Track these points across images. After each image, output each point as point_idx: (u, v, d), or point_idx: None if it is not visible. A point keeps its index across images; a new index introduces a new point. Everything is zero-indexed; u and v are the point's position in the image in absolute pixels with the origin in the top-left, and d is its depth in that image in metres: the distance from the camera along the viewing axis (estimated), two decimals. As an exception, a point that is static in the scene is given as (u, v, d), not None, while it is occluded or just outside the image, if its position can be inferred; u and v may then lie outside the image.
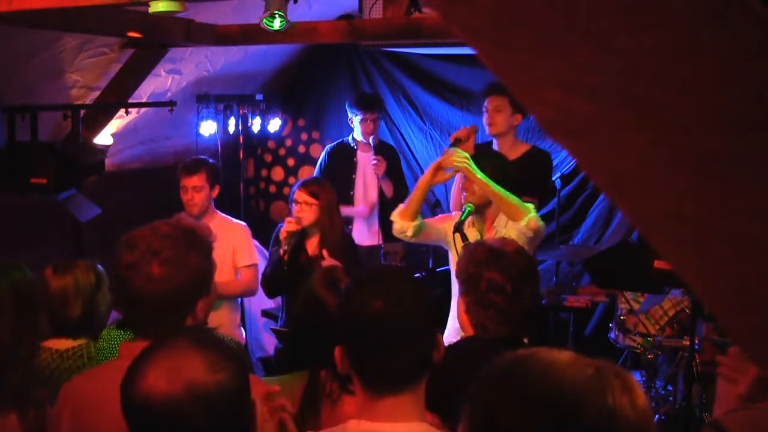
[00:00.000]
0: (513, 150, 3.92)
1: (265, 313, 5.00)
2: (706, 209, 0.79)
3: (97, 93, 4.52)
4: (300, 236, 3.65)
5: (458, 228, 3.13)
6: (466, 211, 3.21)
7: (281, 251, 3.60)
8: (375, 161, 4.75)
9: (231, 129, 5.65)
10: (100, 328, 2.45)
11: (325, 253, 3.51)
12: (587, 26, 0.70)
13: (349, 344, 1.44)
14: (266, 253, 4.28)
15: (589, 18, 0.69)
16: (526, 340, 2.31)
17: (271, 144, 6.37)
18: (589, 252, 4.69)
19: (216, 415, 1.18)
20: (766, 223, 0.77)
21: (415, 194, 3.32)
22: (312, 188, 3.63)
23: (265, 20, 3.54)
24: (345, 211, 4.84)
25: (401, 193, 3.48)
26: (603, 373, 0.94)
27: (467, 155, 3.16)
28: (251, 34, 4.35)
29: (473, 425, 0.97)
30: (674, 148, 0.76)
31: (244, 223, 4.08)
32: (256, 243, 4.40)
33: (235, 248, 3.90)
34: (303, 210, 3.60)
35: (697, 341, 3.69)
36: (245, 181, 6.07)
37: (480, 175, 3.13)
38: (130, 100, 4.63)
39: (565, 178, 4.86)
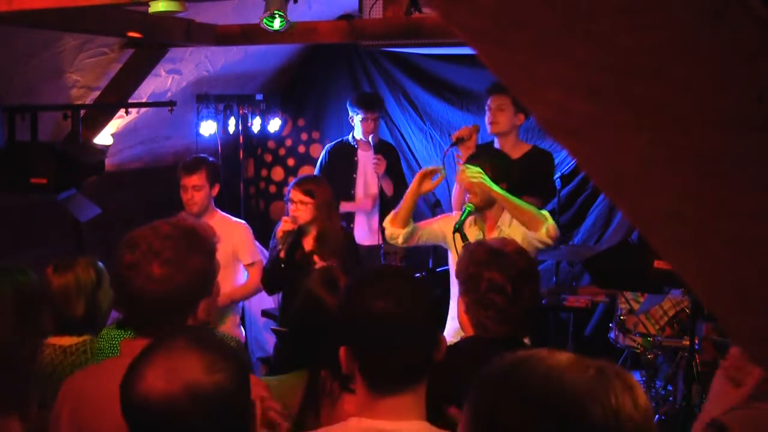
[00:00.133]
0: (515, 150, 3.92)
1: (265, 313, 5.00)
2: (706, 209, 0.79)
3: (97, 93, 4.52)
4: (296, 235, 3.65)
5: (458, 228, 3.13)
6: (466, 211, 3.20)
7: (279, 250, 3.61)
8: (375, 160, 4.75)
9: (231, 129, 5.65)
10: (102, 325, 2.45)
11: (316, 258, 3.52)
12: (587, 26, 0.70)
13: (352, 343, 1.44)
14: (266, 253, 4.29)
15: (589, 18, 0.69)
16: (527, 341, 2.31)
17: (271, 144, 6.37)
18: (589, 252, 4.68)
19: (214, 415, 1.18)
20: (766, 223, 0.77)
21: (405, 203, 3.33)
22: (307, 186, 3.63)
23: (265, 20, 3.54)
24: (347, 207, 4.84)
25: (401, 192, 3.47)
26: (604, 374, 0.94)
27: (480, 170, 3.15)
28: (251, 34, 4.35)
29: (474, 426, 0.97)
30: (674, 148, 0.76)
31: (244, 222, 4.08)
32: (256, 243, 4.40)
33: (237, 247, 3.90)
34: (299, 209, 3.60)
35: (697, 341, 3.69)
36: (245, 180, 6.07)
37: (496, 188, 3.13)
38: (130, 100, 4.63)
39: (565, 178, 4.86)
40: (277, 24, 3.57)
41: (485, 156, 3.38)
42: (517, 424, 0.92)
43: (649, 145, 0.77)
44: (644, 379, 4.16)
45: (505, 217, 3.27)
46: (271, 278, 3.72)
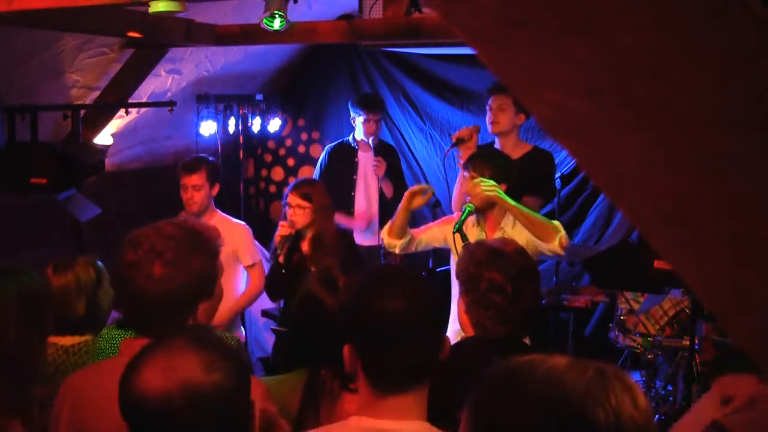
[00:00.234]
0: (515, 150, 3.92)
1: (265, 313, 5.00)
2: (706, 209, 0.79)
3: (97, 93, 4.52)
4: (294, 239, 3.66)
5: (458, 228, 3.13)
6: (466, 211, 3.21)
7: (277, 255, 3.62)
8: (375, 163, 4.75)
9: (231, 129, 5.65)
10: (103, 324, 2.46)
11: (310, 263, 3.53)
12: (587, 26, 0.70)
13: (358, 342, 1.44)
14: (266, 253, 4.29)
15: (589, 18, 0.69)
16: (528, 341, 2.30)
17: (271, 144, 6.37)
18: (589, 252, 4.68)
19: (211, 414, 1.18)
20: (766, 223, 0.77)
21: (398, 216, 3.37)
22: (304, 190, 3.63)
23: (265, 20, 3.54)
24: (343, 221, 4.83)
25: (401, 193, 3.48)
26: (604, 375, 0.95)
27: (494, 183, 3.15)
28: (251, 34, 4.35)
29: (475, 429, 0.97)
30: (674, 148, 0.76)
31: (244, 223, 4.09)
32: (256, 243, 4.40)
33: (238, 248, 3.90)
34: (296, 213, 3.61)
35: (697, 341, 3.69)
36: (245, 180, 6.07)
37: (510, 201, 3.13)
38: (130, 100, 4.63)
39: (565, 178, 4.86)
40: (277, 24, 3.57)
41: (485, 157, 3.38)
42: (519, 426, 0.92)
43: (649, 145, 0.77)
44: (644, 379, 4.16)
45: (509, 218, 3.28)
46: (273, 285, 3.73)
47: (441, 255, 4.70)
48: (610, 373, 0.96)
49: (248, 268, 3.97)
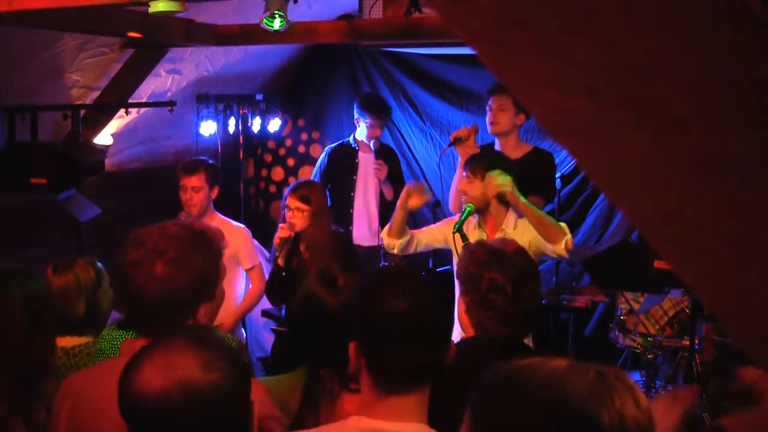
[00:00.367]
0: (515, 150, 3.92)
1: (265, 313, 4.99)
2: (706, 209, 0.79)
3: (97, 93, 4.53)
4: (294, 241, 3.66)
5: (458, 228, 3.13)
6: (466, 211, 3.21)
7: (276, 257, 3.62)
8: (377, 166, 4.76)
9: (231, 129, 5.65)
10: (103, 325, 2.46)
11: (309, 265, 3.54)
12: (587, 26, 0.70)
13: (365, 341, 1.44)
14: (266, 253, 4.29)
15: (589, 18, 0.69)
16: (531, 343, 2.30)
17: (271, 144, 6.37)
18: (589, 252, 4.68)
19: (209, 414, 1.18)
20: (766, 222, 0.77)
21: (396, 216, 3.38)
22: (302, 192, 3.63)
23: (265, 20, 3.54)
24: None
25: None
26: (605, 376, 0.95)
27: (510, 179, 3.16)
28: (251, 34, 4.35)
29: (477, 431, 0.97)
30: (674, 148, 0.76)
31: (243, 226, 4.09)
32: (256, 243, 4.40)
33: (238, 251, 3.90)
34: (295, 216, 3.61)
35: (697, 341, 3.69)
36: (245, 181, 6.07)
37: (522, 199, 3.14)
38: (130, 100, 4.63)
39: (565, 178, 4.86)
40: (277, 24, 3.57)
41: (484, 158, 3.38)
42: (522, 428, 0.92)
43: (649, 145, 0.77)
44: (644, 379, 4.16)
45: (510, 219, 3.28)
46: (274, 289, 3.73)
47: (441, 255, 4.70)
48: (612, 374, 0.96)
49: (248, 271, 3.97)
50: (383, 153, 4.94)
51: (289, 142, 6.33)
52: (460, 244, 3.10)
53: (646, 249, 3.30)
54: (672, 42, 0.69)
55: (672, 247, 0.86)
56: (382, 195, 4.95)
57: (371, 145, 4.86)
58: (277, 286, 3.69)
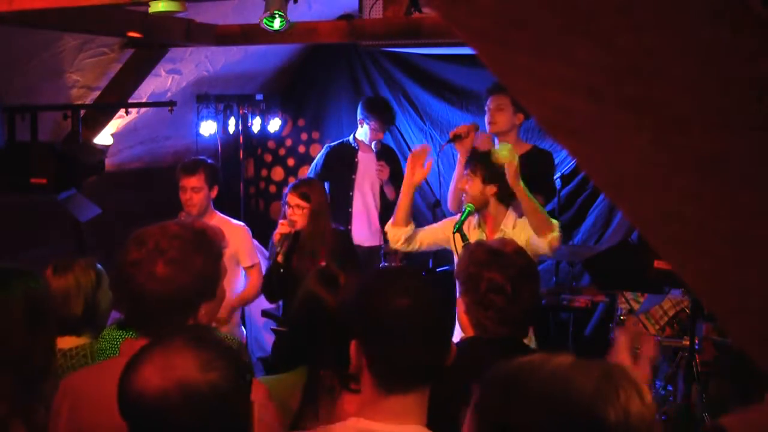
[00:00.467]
0: (515, 149, 3.92)
1: (265, 313, 4.99)
2: (706, 209, 0.79)
3: (97, 93, 4.53)
4: (293, 239, 3.66)
5: (458, 228, 3.13)
6: (466, 211, 3.22)
7: (276, 254, 3.62)
8: (379, 168, 4.77)
9: (231, 129, 5.65)
10: (101, 326, 2.45)
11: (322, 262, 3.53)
12: (587, 26, 0.70)
13: (366, 339, 1.44)
14: (266, 253, 4.29)
15: (589, 18, 0.69)
16: (533, 344, 2.29)
17: (271, 144, 6.37)
18: (589, 252, 4.68)
19: (208, 413, 1.18)
20: (766, 222, 0.77)
21: (403, 198, 3.36)
22: (302, 190, 3.64)
23: (265, 20, 3.54)
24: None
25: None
26: (610, 372, 0.95)
27: (517, 157, 3.15)
28: (251, 34, 4.35)
29: (482, 430, 0.97)
30: (674, 148, 0.76)
31: (243, 224, 4.09)
32: (256, 243, 4.40)
33: (237, 249, 3.90)
34: (295, 213, 3.62)
35: (697, 341, 3.69)
36: (245, 181, 6.07)
37: (521, 182, 3.14)
38: (130, 100, 4.63)
39: (565, 178, 4.86)
40: (277, 24, 3.57)
41: (482, 157, 3.38)
42: (528, 425, 0.92)
43: (649, 145, 0.77)
44: (644, 379, 4.16)
45: (509, 219, 3.28)
46: (270, 285, 3.73)
47: (441, 255, 4.69)
48: (617, 370, 0.96)
49: (247, 269, 3.97)
50: (384, 154, 4.94)
51: (289, 142, 6.33)
52: (460, 244, 3.10)
53: (646, 249, 3.30)
54: (672, 42, 0.69)
55: (672, 247, 0.86)
56: (383, 195, 4.95)
57: (372, 146, 4.87)
58: (275, 283, 3.68)
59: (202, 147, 5.38)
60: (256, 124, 5.87)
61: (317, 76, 6.17)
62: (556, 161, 4.25)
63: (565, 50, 0.72)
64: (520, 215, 3.28)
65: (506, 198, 3.26)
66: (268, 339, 5.17)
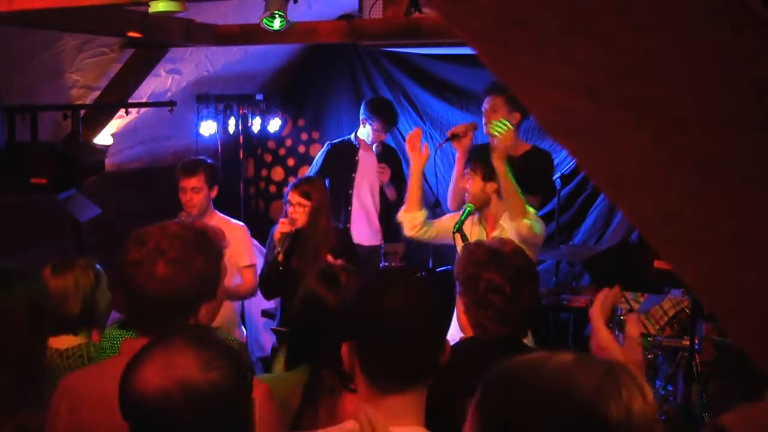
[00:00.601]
0: (514, 149, 3.91)
1: (265, 313, 5.00)
2: (706, 209, 0.79)
3: (97, 93, 4.53)
4: (294, 237, 3.66)
5: (458, 228, 3.14)
6: (466, 211, 3.22)
7: (276, 252, 3.62)
8: (380, 170, 4.77)
9: (231, 129, 5.65)
10: (101, 326, 2.45)
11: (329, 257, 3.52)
12: (587, 26, 0.70)
13: (360, 340, 1.44)
14: (263, 249, 4.28)
15: (589, 18, 0.69)
16: (532, 342, 2.29)
17: (271, 144, 6.37)
18: (589, 252, 4.68)
19: (209, 413, 1.19)
20: (765, 222, 0.77)
21: (413, 183, 3.39)
22: (303, 188, 3.64)
23: (265, 20, 3.54)
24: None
25: (404, 194, 3.52)
26: (612, 370, 0.95)
27: (508, 126, 3.17)
28: (251, 34, 4.35)
29: (485, 429, 0.97)
30: (674, 148, 0.76)
31: (242, 224, 4.08)
32: (256, 243, 4.40)
33: (235, 249, 3.89)
34: (296, 211, 3.62)
35: (697, 341, 3.69)
36: (245, 181, 6.07)
37: (506, 165, 3.15)
38: (130, 100, 4.63)
39: (565, 178, 4.86)
40: (277, 24, 3.57)
41: (481, 156, 3.38)
42: (530, 423, 0.92)
43: (649, 145, 0.77)
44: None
45: (507, 216, 3.28)
46: (268, 282, 3.72)
47: (441, 255, 4.70)
48: (618, 368, 0.96)
49: (244, 268, 3.96)
50: (385, 154, 4.94)
51: (289, 142, 6.33)
52: (460, 243, 3.10)
53: (646, 249, 3.30)
54: (672, 42, 0.69)
55: (672, 247, 0.86)
56: (383, 196, 4.95)
57: (374, 148, 4.87)
58: (275, 281, 3.68)
59: (202, 147, 5.38)
60: (256, 124, 5.87)
61: (317, 76, 6.17)
62: (556, 161, 4.25)
63: (565, 50, 0.72)
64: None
65: None
66: (268, 339, 5.17)
